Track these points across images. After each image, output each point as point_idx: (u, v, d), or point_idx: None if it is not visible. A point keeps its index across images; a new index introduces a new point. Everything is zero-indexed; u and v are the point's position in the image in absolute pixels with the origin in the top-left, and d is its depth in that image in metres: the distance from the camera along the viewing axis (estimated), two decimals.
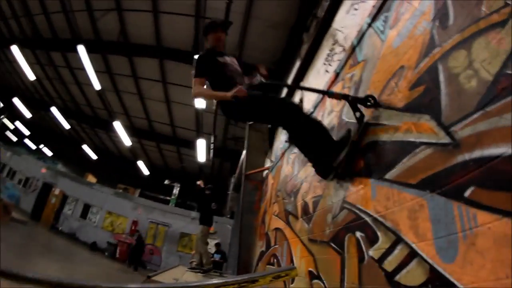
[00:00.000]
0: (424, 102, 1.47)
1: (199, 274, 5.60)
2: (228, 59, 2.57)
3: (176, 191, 18.40)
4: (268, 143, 6.86)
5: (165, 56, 10.07)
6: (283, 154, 4.80)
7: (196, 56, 2.71)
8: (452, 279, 1.07)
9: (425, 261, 1.23)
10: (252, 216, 5.67)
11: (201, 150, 13.12)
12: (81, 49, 9.71)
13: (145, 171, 19.73)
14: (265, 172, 6.28)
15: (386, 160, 1.68)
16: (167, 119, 13.97)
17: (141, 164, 18.97)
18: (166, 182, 18.55)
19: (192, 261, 7.29)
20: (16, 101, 17.70)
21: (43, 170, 17.72)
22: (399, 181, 1.51)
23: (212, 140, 12.40)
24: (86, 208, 16.05)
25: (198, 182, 6.08)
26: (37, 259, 6.98)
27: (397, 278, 1.39)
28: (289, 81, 6.25)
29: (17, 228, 9.98)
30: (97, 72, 10.92)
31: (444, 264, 1.13)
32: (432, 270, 1.18)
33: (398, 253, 1.42)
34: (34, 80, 14.84)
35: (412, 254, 1.32)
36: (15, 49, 11.83)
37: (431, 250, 1.21)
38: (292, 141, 2.53)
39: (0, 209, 8.96)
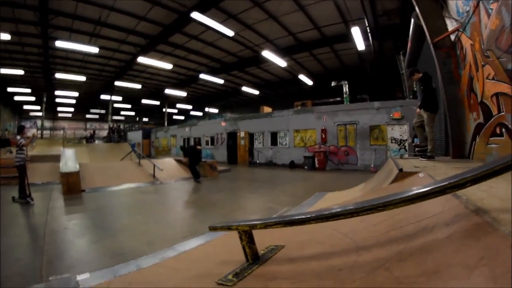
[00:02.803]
0: None
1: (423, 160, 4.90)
2: None
3: (346, 89, 18.37)
4: (440, 2, 5.52)
5: None
6: (476, 6, 3.88)
7: None
8: None
9: None
10: (454, 86, 5.13)
11: (357, 38, 12.23)
12: (196, 15, 10.65)
13: (309, 82, 20.90)
14: (452, 35, 5.29)
15: None
16: (309, 24, 13.72)
17: (302, 77, 20.13)
18: (333, 84, 18.73)
19: (416, 148, 6.70)
20: (167, 91, 23.90)
21: (223, 123, 20.53)
22: None
23: (366, 23, 11.26)
24: (274, 136, 17.25)
25: (414, 74, 5.19)
26: (250, 190, 8.16)
27: None
28: None
29: (225, 176, 11.70)
30: (221, 23, 11.79)
31: None
32: None
33: None
34: (170, 69, 18.67)
35: None
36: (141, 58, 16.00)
37: None
38: None
39: (208, 169, 11.15)
